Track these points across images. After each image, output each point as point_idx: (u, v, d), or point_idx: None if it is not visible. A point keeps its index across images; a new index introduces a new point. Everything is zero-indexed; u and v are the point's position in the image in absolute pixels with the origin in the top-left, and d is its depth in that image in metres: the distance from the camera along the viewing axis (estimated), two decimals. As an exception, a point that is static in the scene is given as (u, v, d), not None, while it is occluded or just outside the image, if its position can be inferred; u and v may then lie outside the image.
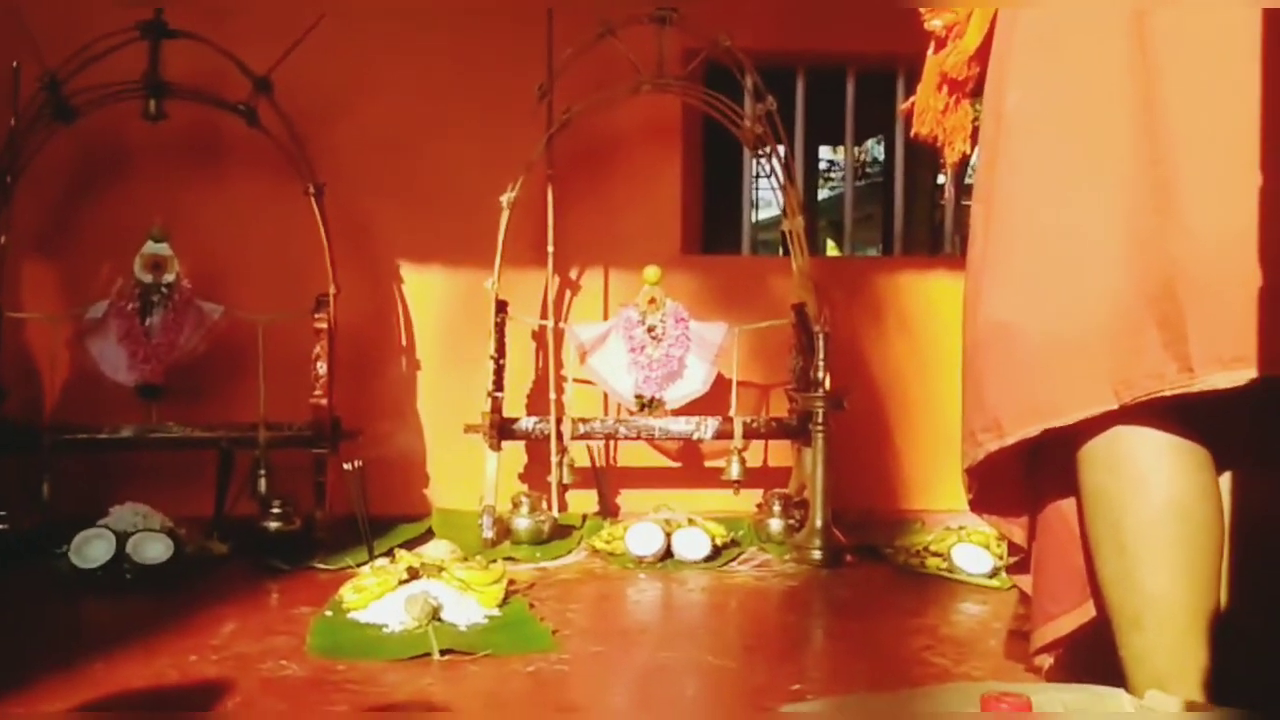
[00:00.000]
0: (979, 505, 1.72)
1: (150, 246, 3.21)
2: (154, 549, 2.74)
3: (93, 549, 2.71)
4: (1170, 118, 1.41)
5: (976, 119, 1.71)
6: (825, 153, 10.23)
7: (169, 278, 3.21)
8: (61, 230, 3.46)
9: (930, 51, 1.78)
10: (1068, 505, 1.61)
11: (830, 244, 9.83)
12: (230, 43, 3.16)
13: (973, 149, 1.78)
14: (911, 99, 1.84)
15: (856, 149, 6.83)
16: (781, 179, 3.36)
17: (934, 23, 1.73)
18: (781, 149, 3.39)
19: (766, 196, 7.37)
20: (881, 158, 8.73)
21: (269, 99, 3.19)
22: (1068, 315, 1.48)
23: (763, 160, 3.46)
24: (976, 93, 1.73)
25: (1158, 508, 1.44)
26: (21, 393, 3.23)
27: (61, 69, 3.07)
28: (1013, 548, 1.78)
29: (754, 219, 4.14)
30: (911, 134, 1.85)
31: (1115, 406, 1.45)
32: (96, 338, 3.21)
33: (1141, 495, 1.45)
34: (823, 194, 10.73)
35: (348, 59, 3.48)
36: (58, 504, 3.06)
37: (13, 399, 3.15)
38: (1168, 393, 1.41)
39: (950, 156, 1.80)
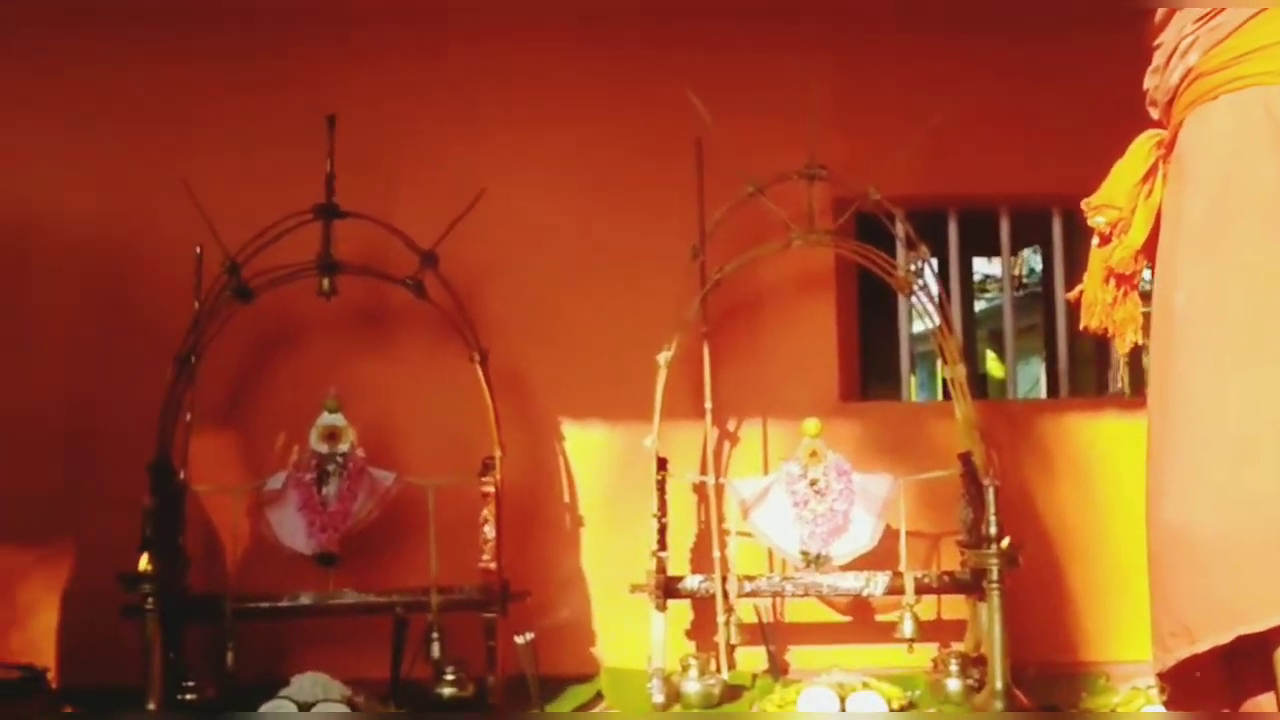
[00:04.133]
0: (1176, 704, 1.66)
1: (325, 417, 3.32)
2: (335, 720, 2.80)
3: (277, 722, 2.79)
4: None
5: (1145, 310, 1.70)
6: (980, 264, 10.08)
7: (343, 447, 3.31)
8: (240, 405, 3.62)
9: (1095, 244, 1.78)
10: (1268, 701, 1.56)
11: (990, 356, 9.61)
12: (396, 220, 3.31)
13: (1143, 339, 1.77)
14: (1079, 289, 1.84)
15: (1012, 258, 6.69)
16: (937, 323, 3.33)
17: (1097, 219, 1.74)
18: (934, 288, 3.37)
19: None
20: (1038, 267, 8.56)
21: (434, 271, 3.31)
22: (1252, 515, 1.45)
23: (916, 304, 3.44)
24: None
25: None
26: (205, 563, 3.36)
27: (240, 253, 3.24)
28: (1216, 745, 1.71)
29: (911, 331, 4.11)
30: (1080, 326, 1.84)
31: None
32: (275, 507, 3.32)
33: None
34: (979, 305, 10.55)
35: (505, 228, 3.59)
36: (240, 671, 3.14)
37: (196, 569, 3.28)
38: None
39: (1121, 348, 1.80)
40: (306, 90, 3.59)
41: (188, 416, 3.30)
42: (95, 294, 3.64)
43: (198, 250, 3.34)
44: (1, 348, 3.61)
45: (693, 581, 3.29)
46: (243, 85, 3.68)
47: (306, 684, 2.89)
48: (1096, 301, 1.78)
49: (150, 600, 2.97)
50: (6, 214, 3.63)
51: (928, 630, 3.24)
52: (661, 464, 3.30)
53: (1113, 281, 1.76)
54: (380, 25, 3.71)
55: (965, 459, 3.24)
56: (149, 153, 3.63)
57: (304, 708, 2.79)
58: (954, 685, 3.05)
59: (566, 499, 3.66)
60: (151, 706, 2.95)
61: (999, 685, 2.86)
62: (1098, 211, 1.74)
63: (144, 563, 2.98)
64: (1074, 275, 4.25)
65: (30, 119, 3.67)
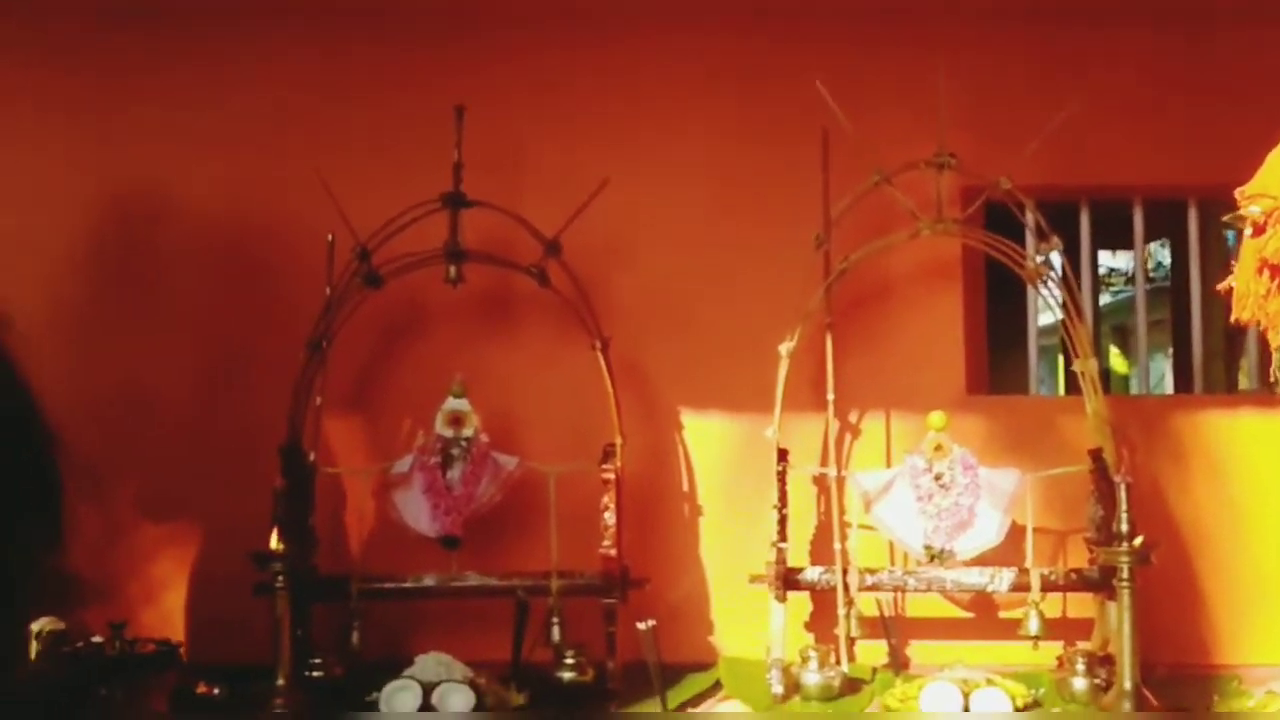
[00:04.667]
0: None
1: (451, 402, 3.36)
2: (457, 700, 2.84)
3: (400, 699, 2.84)
4: None
5: None
6: (1104, 258, 9.86)
7: (468, 432, 3.35)
8: (368, 389, 3.68)
9: (1248, 235, 1.73)
10: None
11: (1114, 351, 9.39)
12: (521, 209, 3.35)
13: None
14: (1229, 281, 1.79)
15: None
16: (1068, 316, 3.26)
17: (1252, 209, 1.68)
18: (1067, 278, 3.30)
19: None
20: (1165, 261, 8.36)
21: (557, 259, 3.34)
22: None
23: (1045, 295, 3.37)
24: None
25: None
26: (332, 544, 3.43)
27: (370, 240, 3.31)
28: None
29: (1036, 325, 4.03)
30: (1231, 319, 1.79)
31: None
32: (401, 490, 3.37)
33: None
34: (1104, 299, 10.34)
35: (629, 217, 3.59)
36: (365, 650, 3.21)
37: (324, 550, 3.36)
38: None
39: (1274, 341, 1.74)
40: (436, 82, 3.63)
41: (318, 400, 3.38)
42: (230, 280, 3.73)
43: (330, 238, 3.40)
44: (138, 331, 3.72)
45: (813, 573, 3.27)
46: (375, 77, 3.75)
47: (429, 664, 2.93)
48: (1249, 293, 1.73)
49: (280, 579, 3.03)
50: (145, 200, 3.73)
51: (1053, 627, 3.17)
52: (782, 455, 3.28)
53: (1266, 273, 1.70)
54: (509, 20, 3.74)
55: (1096, 455, 3.17)
56: (283, 142, 3.71)
57: (427, 688, 2.83)
58: (1080, 684, 2.98)
59: (686, 488, 3.65)
60: (280, 682, 3.01)
61: (1128, 685, 2.79)
62: (1252, 201, 1.69)
63: (275, 542, 3.05)
64: (1207, 268, 4.16)
65: (166, 107, 3.76)
